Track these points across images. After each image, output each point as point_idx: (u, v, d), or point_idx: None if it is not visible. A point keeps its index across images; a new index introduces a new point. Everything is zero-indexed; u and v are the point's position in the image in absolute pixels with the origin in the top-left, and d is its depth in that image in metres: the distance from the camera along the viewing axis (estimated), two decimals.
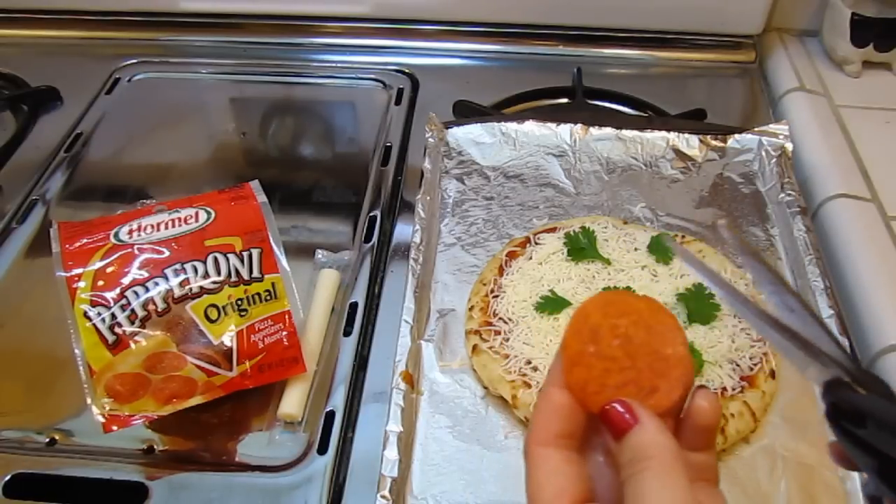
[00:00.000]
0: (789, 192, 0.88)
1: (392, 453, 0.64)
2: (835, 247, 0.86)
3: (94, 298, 0.65)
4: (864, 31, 1.06)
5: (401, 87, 1.12)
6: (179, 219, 0.72)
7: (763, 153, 0.94)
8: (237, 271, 0.69)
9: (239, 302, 0.68)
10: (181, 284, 0.67)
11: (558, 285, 0.78)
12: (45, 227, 0.90)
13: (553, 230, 0.84)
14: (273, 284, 0.70)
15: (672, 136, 0.96)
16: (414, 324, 0.75)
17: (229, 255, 0.69)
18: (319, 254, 0.84)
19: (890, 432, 0.39)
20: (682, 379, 0.43)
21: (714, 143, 0.96)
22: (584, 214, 0.89)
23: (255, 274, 0.69)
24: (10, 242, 0.89)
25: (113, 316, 0.65)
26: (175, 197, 0.76)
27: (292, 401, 0.70)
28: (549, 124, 0.97)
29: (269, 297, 0.69)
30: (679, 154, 0.96)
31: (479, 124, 0.98)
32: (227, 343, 0.67)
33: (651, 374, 0.43)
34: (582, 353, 0.44)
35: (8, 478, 0.67)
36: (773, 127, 0.95)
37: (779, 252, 0.85)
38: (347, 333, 0.78)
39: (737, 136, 0.96)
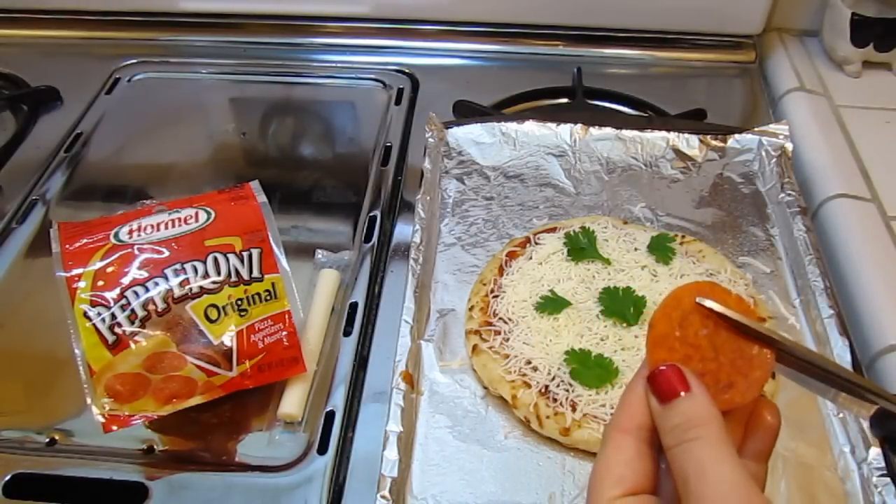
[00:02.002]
0: (789, 192, 0.88)
1: (392, 453, 0.64)
2: (835, 247, 0.86)
3: (94, 298, 0.65)
4: (864, 31, 1.06)
5: (401, 87, 1.12)
6: (179, 219, 0.72)
7: (763, 153, 0.94)
8: (237, 271, 0.69)
9: (239, 302, 0.68)
10: (181, 284, 0.67)
11: (558, 285, 0.78)
12: (45, 227, 0.90)
13: (553, 230, 0.84)
14: (273, 284, 0.70)
15: (672, 136, 0.96)
16: (414, 324, 0.75)
17: (229, 255, 0.69)
18: (319, 254, 0.84)
19: None
20: (761, 381, 0.43)
21: (714, 143, 0.96)
22: (584, 214, 0.89)
23: (255, 274, 0.69)
24: (10, 242, 0.89)
25: (113, 316, 0.65)
26: (175, 197, 0.76)
27: (292, 401, 0.70)
28: (549, 124, 0.97)
29: (269, 297, 0.69)
30: (679, 154, 0.96)
31: (479, 124, 0.98)
32: (227, 343, 0.67)
33: (731, 369, 0.43)
34: (667, 335, 0.44)
35: (8, 478, 0.67)
36: (773, 127, 0.95)
37: (779, 252, 0.85)
38: (347, 333, 0.78)
39: (737, 136, 0.96)
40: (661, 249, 0.81)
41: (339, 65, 1.17)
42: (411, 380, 0.71)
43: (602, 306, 0.75)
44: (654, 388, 0.42)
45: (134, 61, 1.18)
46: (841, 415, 0.69)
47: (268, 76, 1.16)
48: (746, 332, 0.44)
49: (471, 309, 0.77)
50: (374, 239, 0.88)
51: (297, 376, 0.71)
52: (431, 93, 1.11)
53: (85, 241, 0.69)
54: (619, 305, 0.74)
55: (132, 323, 0.65)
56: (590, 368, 0.69)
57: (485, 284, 0.79)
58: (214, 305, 0.67)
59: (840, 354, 0.71)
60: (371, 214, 0.91)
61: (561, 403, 0.68)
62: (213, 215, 0.72)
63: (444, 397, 0.72)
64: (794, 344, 0.44)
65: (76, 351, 0.64)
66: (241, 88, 1.15)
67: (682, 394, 0.41)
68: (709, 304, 0.44)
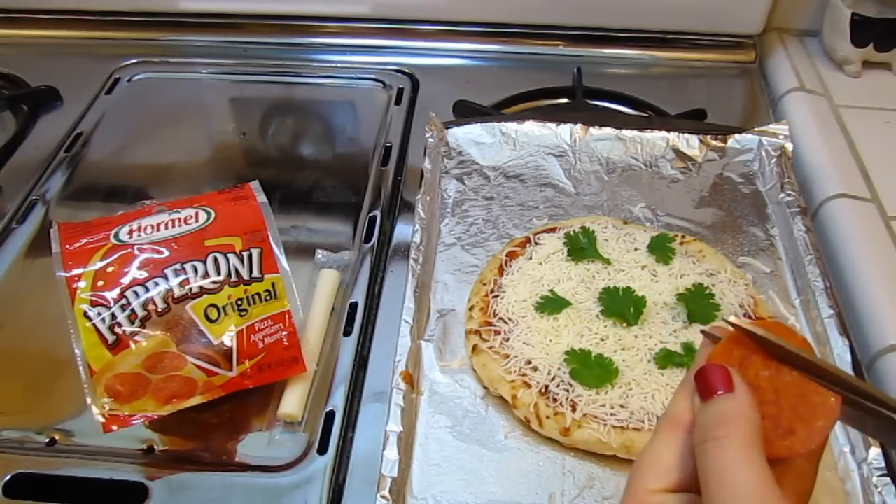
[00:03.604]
0: (789, 192, 0.88)
1: (392, 453, 0.64)
2: (835, 247, 0.86)
3: (94, 298, 0.65)
4: (864, 31, 1.06)
5: (401, 87, 1.12)
6: (179, 219, 0.72)
7: (763, 153, 0.94)
8: (237, 271, 0.69)
9: (239, 302, 0.68)
10: (181, 284, 0.67)
11: (558, 285, 0.78)
12: (45, 227, 0.90)
13: (553, 230, 0.84)
14: (273, 284, 0.70)
15: (672, 136, 0.96)
16: (414, 324, 0.75)
17: (229, 255, 0.69)
18: (319, 254, 0.84)
19: None
20: (825, 431, 0.41)
21: (714, 143, 0.96)
22: (584, 214, 0.89)
23: (255, 274, 0.69)
24: (10, 242, 0.89)
25: (113, 316, 0.65)
26: (175, 197, 0.76)
27: (292, 401, 0.70)
28: (549, 124, 0.97)
29: (269, 297, 0.69)
30: (679, 154, 0.96)
31: (479, 124, 0.98)
32: (227, 343, 0.67)
33: (793, 415, 0.41)
34: None
35: (8, 478, 0.67)
36: (773, 127, 0.95)
37: (779, 252, 0.85)
38: (347, 333, 0.78)
39: (737, 136, 0.96)
40: (661, 249, 0.81)
41: (339, 65, 1.17)
42: (411, 380, 0.71)
43: (602, 306, 0.75)
44: (697, 384, 0.41)
45: (134, 61, 1.18)
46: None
47: (268, 76, 1.16)
48: (813, 374, 0.41)
49: (471, 309, 0.77)
50: (374, 239, 0.88)
51: (297, 376, 0.71)
52: (431, 93, 1.11)
53: (85, 241, 0.69)
54: (619, 305, 0.74)
55: (132, 323, 0.65)
56: (590, 368, 0.69)
57: (485, 284, 0.79)
58: (214, 305, 0.67)
59: (840, 354, 0.71)
60: (371, 214, 0.91)
61: (561, 403, 0.68)
62: (213, 215, 0.72)
63: (444, 397, 0.72)
64: (859, 383, 0.41)
65: (76, 351, 0.64)
66: (241, 88, 1.15)
67: (720, 392, 0.40)
68: (772, 338, 0.42)
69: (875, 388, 0.42)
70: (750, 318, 0.75)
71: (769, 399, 0.41)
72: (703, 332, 0.46)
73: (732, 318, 0.43)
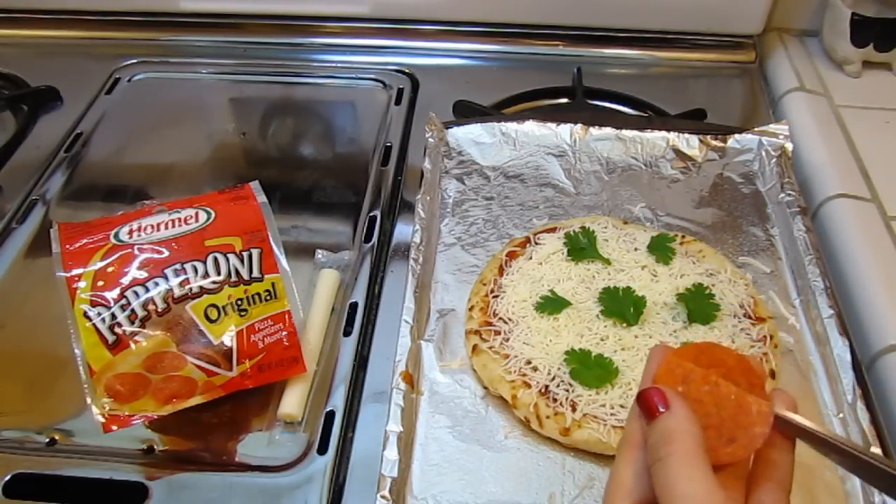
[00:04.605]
0: (789, 192, 0.88)
1: (392, 453, 0.64)
2: (835, 247, 0.86)
3: (94, 298, 0.65)
4: (864, 31, 1.06)
5: (401, 87, 1.12)
6: (179, 219, 0.72)
7: (763, 153, 0.94)
8: (237, 271, 0.69)
9: (239, 302, 0.68)
10: (181, 284, 0.67)
11: (558, 285, 0.78)
12: (45, 227, 0.90)
13: (553, 230, 0.84)
14: (273, 284, 0.70)
15: (672, 136, 0.96)
16: (414, 324, 0.75)
17: (229, 255, 0.69)
18: (319, 254, 0.84)
19: None
20: (761, 437, 0.45)
21: (714, 143, 0.96)
22: (584, 214, 0.89)
23: (255, 274, 0.69)
24: (10, 242, 0.89)
25: (113, 316, 0.65)
26: (175, 197, 0.76)
27: (292, 401, 0.70)
28: (549, 124, 0.97)
29: (269, 297, 0.69)
30: (679, 154, 0.96)
31: (479, 124, 0.98)
32: (227, 343, 0.67)
33: (733, 424, 0.45)
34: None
35: (8, 478, 0.67)
36: (773, 127, 0.95)
37: (779, 252, 0.85)
38: (347, 333, 0.78)
39: (737, 136, 0.96)
40: (661, 249, 0.81)
41: (339, 65, 1.17)
42: (411, 380, 0.71)
43: (602, 306, 0.75)
44: (640, 407, 0.45)
45: (134, 61, 1.18)
46: (841, 415, 0.69)
47: (268, 76, 1.16)
48: (826, 448, 0.45)
49: (471, 309, 0.77)
50: (374, 239, 0.88)
51: (297, 376, 0.71)
52: (431, 93, 1.11)
53: (85, 241, 0.69)
54: (619, 305, 0.74)
55: (132, 323, 0.65)
56: (590, 368, 0.69)
57: (485, 284, 0.79)
58: (214, 305, 0.67)
59: (840, 354, 0.71)
60: (371, 214, 0.91)
61: (561, 403, 0.68)
62: (213, 215, 0.72)
63: (444, 397, 0.72)
64: (871, 455, 0.44)
65: (76, 351, 0.64)
66: (241, 88, 1.15)
67: (661, 411, 0.43)
68: (789, 416, 0.46)
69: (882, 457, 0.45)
70: (750, 317, 0.75)
71: (711, 412, 0.45)
72: (652, 351, 0.49)
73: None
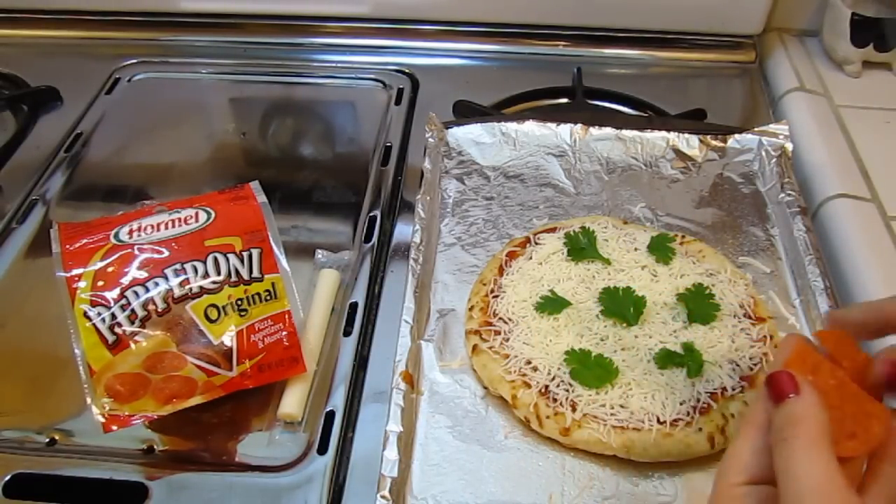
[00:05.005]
0: (789, 192, 0.88)
1: (392, 453, 0.64)
2: (835, 247, 0.86)
3: (94, 298, 0.65)
4: (864, 31, 1.06)
5: (401, 87, 1.12)
6: (179, 219, 0.72)
7: (763, 153, 0.94)
8: (237, 271, 0.69)
9: (239, 302, 0.68)
10: (181, 284, 0.67)
11: (558, 285, 0.78)
12: (45, 227, 0.90)
13: (553, 230, 0.84)
14: (273, 284, 0.70)
15: (672, 136, 0.96)
16: (414, 324, 0.75)
17: (229, 255, 0.69)
18: (319, 254, 0.84)
19: None
20: (880, 437, 0.46)
21: (714, 143, 0.96)
22: (584, 214, 0.89)
23: (255, 274, 0.69)
24: (10, 242, 0.89)
25: (113, 316, 0.65)
26: (175, 197, 0.76)
27: (292, 401, 0.70)
28: (549, 124, 0.97)
29: (269, 297, 0.69)
30: (679, 154, 0.96)
31: (479, 124, 0.98)
32: (227, 343, 0.67)
33: (853, 421, 0.45)
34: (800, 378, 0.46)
35: (8, 478, 0.67)
36: (773, 127, 0.95)
37: (779, 252, 0.85)
38: (347, 333, 0.78)
39: (737, 136, 0.96)
40: (661, 249, 0.81)
41: (339, 65, 1.17)
42: (411, 380, 0.71)
43: (602, 306, 0.75)
44: (769, 389, 0.46)
45: (134, 61, 1.18)
46: None
47: (268, 76, 1.16)
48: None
49: (471, 309, 0.77)
50: (374, 239, 0.88)
51: (297, 376, 0.71)
52: (431, 93, 1.11)
53: (85, 241, 0.69)
54: (619, 305, 0.74)
55: (132, 323, 0.65)
56: (590, 368, 0.69)
57: (485, 284, 0.79)
58: (214, 305, 0.67)
59: None
60: (371, 214, 0.91)
61: (561, 403, 0.68)
62: (213, 215, 0.72)
63: (444, 397, 0.72)
64: None
65: (76, 351, 0.64)
66: (241, 88, 1.15)
67: (791, 395, 0.44)
68: None
69: None
70: (750, 317, 0.75)
71: (835, 405, 0.45)
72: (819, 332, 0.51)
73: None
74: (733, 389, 0.68)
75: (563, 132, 0.97)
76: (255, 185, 0.77)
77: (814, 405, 0.44)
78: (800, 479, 0.41)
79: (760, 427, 0.46)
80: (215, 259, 0.69)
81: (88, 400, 0.64)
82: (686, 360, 0.70)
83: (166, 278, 0.67)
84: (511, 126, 0.97)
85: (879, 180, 0.93)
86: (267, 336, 0.68)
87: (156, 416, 0.66)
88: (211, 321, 0.67)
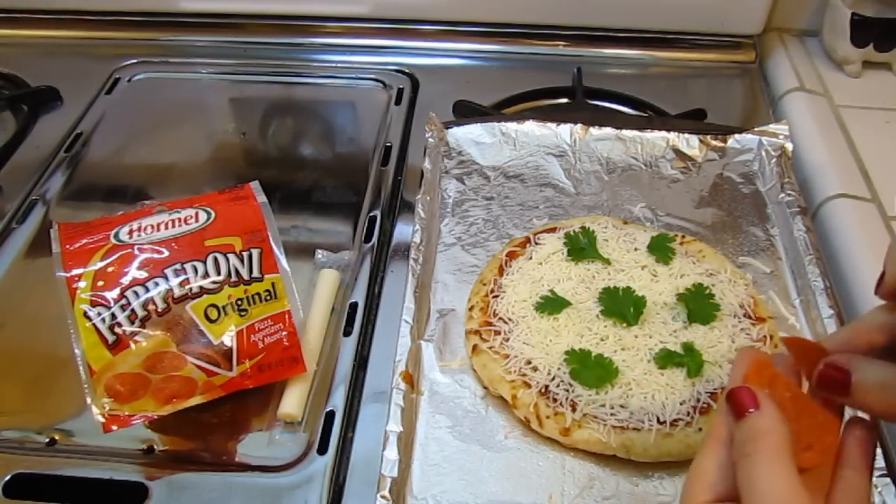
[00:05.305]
0: (789, 192, 0.88)
1: (392, 453, 0.64)
2: (835, 247, 0.86)
3: (94, 298, 0.65)
4: (864, 31, 1.06)
5: (401, 87, 1.12)
6: (179, 219, 0.72)
7: (763, 153, 0.94)
8: (237, 271, 0.69)
9: (239, 302, 0.68)
10: (181, 284, 0.67)
11: (558, 285, 0.78)
12: (45, 227, 0.90)
13: (553, 230, 0.84)
14: (273, 284, 0.70)
15: (672, 136, 0.96)
16: (414, 324, 0.75)
17: (229, 255, 0.69)
18: (319, 254, 0.84)
19: None
20: (833, 449, 0.47)
21: (714, 143, 0.96)
22: (584, 214, 0.89)
23: (255, 274, 0.69)
24: (10, 242, 0.89)
25: (113, 316, 0.65)
26: (175, 197, 0.76)
27: (292, 401, 0.70)
28: (549, 124, 0.97)
29: (269, 297, 0.69)
30: (679, 154, 0.96)
31: (479, 124, 0.98)
32: (227, 343, 0.67)
33: (808, 433, 0.46)
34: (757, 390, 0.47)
35: (8, 478, 0.67)
36: (773, 127, 0.95)
37: (779, 252, 0.85)
38: (347, 333, 0.78)
39: (737, 136, 0.96)
40: (661, 249, 0.81)
41: (339, 65, 1.17)
42: (411, 380, 0.71)
43: (602, 306, 0.75)
44: (729, 405, 0.46)
45: (134, 61, 1.18)
46: None
47: (268, 76, 1.16)
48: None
49: (471, 309, 0.77)
50: (374, 239, 0.88)
51: (297, 376, 0.71)
52: (431, 93, 1.11)
53: (85, 241, 0.69)
54: (619, 305, 0.74)
55: (132, 323, 0.65)
56: (590, 368, 0.69)
57: (485, 284, 0.79)
58: (214, 305, 0.67)
59: None
60: (371, 214, 0.91)
61: (561, 403, 0.68)
62: (213, 215, 0.72)
63: (444, 397, 0.72)
64: None
65: (76, 351, 0.64)
66: (241, 88, 1.15)
67: (751, 410, 0.44)
68: None
69: None
70: (750, 317, 0.75)
71: (790, 417, 0.46)
72: (784, 343, 0.51)
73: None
74: None
75: (563, 132, 0.97)
76: (255, 185, 0.77)
77: (774, 419, 0.44)
78: (763, 493, 0.41)
79: (724, 442, 0.46)
80: (215, 259, 0.69)
81: (88, 400, 0.64)
82: (686, 360, 0.70)
83: (166, 278, 0.67)
84: (511, 126, 0.97)
85: (879, 180, 0.93)
86: (267, 336, 0.68)
87: (156, 416, 0.66)
88: (211, 321, 0.67)
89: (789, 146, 0.93)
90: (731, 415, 0.45)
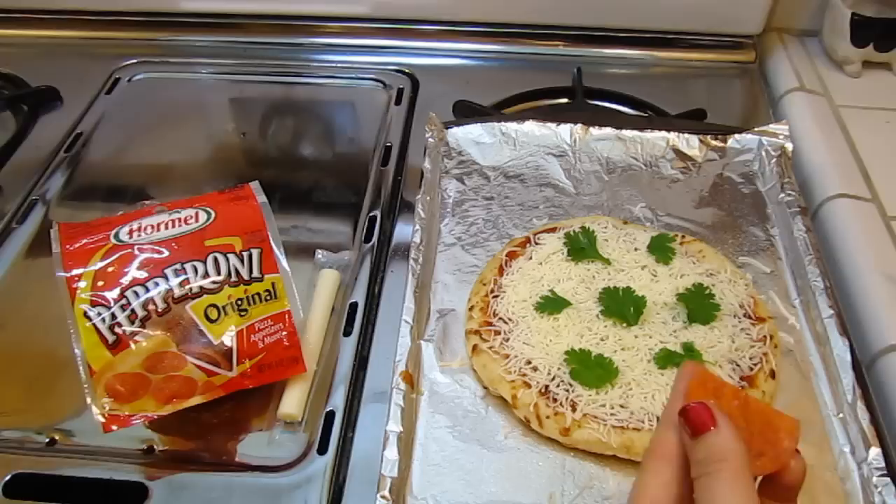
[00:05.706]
0: (789, 192, 0.88)
1: (392, 453, 0.64)
2: (835, 247, 0.86)
3: (94, 298, 0.65)
4: (864, 31, 1.06)
5: (401, 87, 1.12)
6: (179, 219, 0.72)
7: (763, 153, 0.94)
8: (237, 271, 0.69)
9: (239, 302, 0.68)
10: (181, 284, 0.67)
11: (558, 285, 0.78)
12: (45, 227, 0.90)
13: (553, 230, 0.84)
14: (273, 284, 0.70)
15: (672, 136, 0.96)
16: (414, 324, 0.75)
17: (229, 255, 0.69)
18: (319, 254, 0.84)
19: None
20: (789, 453, 0.46)
21: (714, 143, 0.96)
22: (584, 214, 0.89)
23: (255, 274, 0.69)
24: (10, 242, 0.89)
25: (113, 316, 0.65)
26: (175, 197, 0.76)
27: (292, 401, 0.70)
28: (549, 124, 0.97)
29: (269, 297, 0.69)
30: (679, 154, 0.96)
31: (479, 124, 0.98)
32: (227, 343, 0.67)
33: (761, 439, 0.46)
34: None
35: (8, 478, 0.67)
36: (773, 127, 0.95)
37: (779, 252, 0.85)
38: (347, 333, 0.78)
39: (737, 136, 0.96)
40: (661, 249, 0.81)
41: (339, 65, 1.17)
42: (411, 380, 0.71)
43: (602, 306, 0.75)
44: (686, 422, 0.46)
45: (134, 61, 1.18)
46: (841, 415, 0.69)
47: (268, 76, 1.16)
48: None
49: (471, 309, 0.77)
50: (374, 239, 0.88)
51: (297, 376, 0.71)
52: (431, 93, 1.11)
53: (85, 241, 0.69)
54: (619, 305, 0.74)
55: (132, 323, 0.65)
56: (590, 368, 0.69)
57: (485, 284, 0.79)
58: (214, 305, 0.67)
59: (840, 354, 0.71)
60: (371, 214, 0.91)
61: (561, 403, 0.68)
62: (213, 215, 0.72)
63: (444, 397, 0.72)
64: None
65: (76, 351, 0.64)
66: (241, 88, 1.15)
67: (711, 429, 0.44)
68: None
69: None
70: (750, 317, 0.75)
71: (741, 426, 0.46)
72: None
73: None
74: None
75: (563, 132, 0.97)
76: (255, 185, 0.77)
77: (733, 438, 0.44)
78: None
79: (668, 459, 0.46)
80: (215, 259, 0.69)
81: (88, 400, 0.64)
82: (686, 359, 0.70)
83: (166, 278, 0.67)
84: (511, 126, 0.97)
85: (879, 180, 0.93)
86: (267, 336, 0.68)
87: (156, 416, 0.66)
88: (211, 321, 0.67)
89: (789, 146, 0.93)
90: (687, 432, 0.45)
